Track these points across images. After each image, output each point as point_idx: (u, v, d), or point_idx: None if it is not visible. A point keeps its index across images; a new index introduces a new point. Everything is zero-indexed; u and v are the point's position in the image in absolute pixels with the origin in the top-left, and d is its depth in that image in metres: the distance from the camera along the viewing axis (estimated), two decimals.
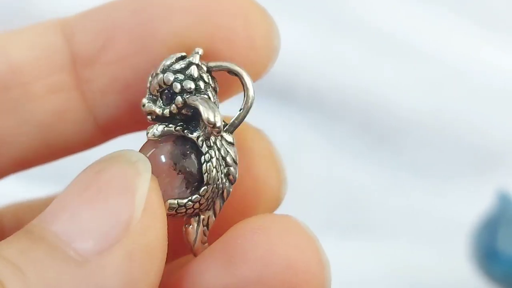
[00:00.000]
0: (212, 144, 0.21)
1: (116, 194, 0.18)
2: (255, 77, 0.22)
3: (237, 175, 0.21)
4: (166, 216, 0.19)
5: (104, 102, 0.22)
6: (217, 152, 0.21)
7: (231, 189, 0.21)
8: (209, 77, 0.21)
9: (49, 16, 0.24)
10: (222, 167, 0.21)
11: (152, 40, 0.22)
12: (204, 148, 0.21)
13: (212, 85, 0.21)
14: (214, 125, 0.20)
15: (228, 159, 0.21)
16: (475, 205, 0.50)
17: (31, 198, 0.28)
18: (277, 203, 0.23)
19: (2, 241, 0.19)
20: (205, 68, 0.21)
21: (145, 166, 0.19)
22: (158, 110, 0.21)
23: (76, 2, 0.51)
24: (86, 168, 0.20)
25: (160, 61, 0.21)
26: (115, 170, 0.19)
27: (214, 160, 0.21)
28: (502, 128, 0.57)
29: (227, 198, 0.21)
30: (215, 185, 0.21)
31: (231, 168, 0.21)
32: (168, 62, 0.21)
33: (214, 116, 0.20)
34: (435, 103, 0.57)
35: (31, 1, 0.51)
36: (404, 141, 0.57)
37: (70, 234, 0.18)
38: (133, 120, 0.23)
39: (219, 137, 0.21)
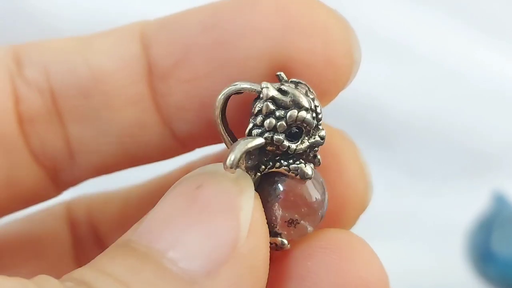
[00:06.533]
0: None
1: (220, 213, 0.18)
2: (333, 95, 0.21)
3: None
4: (268, 236, 0.19)
5: (180, 117, 0.22)
6: None
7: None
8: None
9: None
10: None
11: (228, 63, 0.21)
12: None
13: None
14: None
15: None
16: (470, 207, 0.50)
17: (103, 191, 0.27)
18: (363, 207, 0.22)
19: (102, 255, 0.18)
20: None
21: (247, 183, 0.19)
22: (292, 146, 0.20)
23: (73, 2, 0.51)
24: (183, 181, 0.19)
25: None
26: (216, 186, 0.18)
27: None
28: (497, 130, 0.58)
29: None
30: None
31: None
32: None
33: None
34: (431, 105, 0.57)
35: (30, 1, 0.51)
36: (400, 143, 0.57)
37: (176, 253, 0.17)
38: (211, 135, 0.22)
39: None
